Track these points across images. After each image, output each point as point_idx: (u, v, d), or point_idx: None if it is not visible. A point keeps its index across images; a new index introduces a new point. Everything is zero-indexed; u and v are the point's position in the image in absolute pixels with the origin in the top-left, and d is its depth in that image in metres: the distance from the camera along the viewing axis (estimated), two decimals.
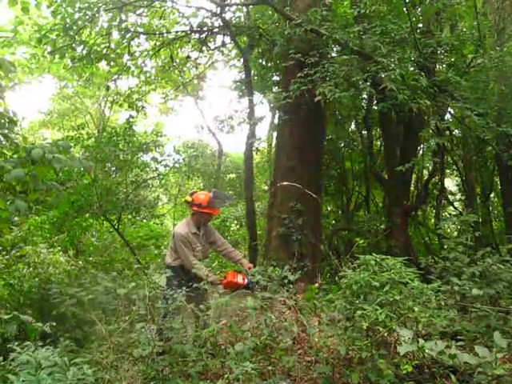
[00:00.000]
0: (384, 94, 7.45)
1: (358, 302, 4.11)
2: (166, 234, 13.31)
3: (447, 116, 9.39)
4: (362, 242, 11.15)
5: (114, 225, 10.54)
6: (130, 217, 12.22)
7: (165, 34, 11.22)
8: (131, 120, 10.17)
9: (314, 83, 7.52)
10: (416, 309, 3.84)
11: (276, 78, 11.40)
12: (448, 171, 12.75)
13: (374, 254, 4.47)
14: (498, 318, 4.90)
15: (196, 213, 6.04)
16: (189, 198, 6.09)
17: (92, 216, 10.56)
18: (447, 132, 9.69)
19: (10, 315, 4.85)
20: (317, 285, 5.33)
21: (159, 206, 16.93)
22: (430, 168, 11.15)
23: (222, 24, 10.11)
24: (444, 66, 9.66)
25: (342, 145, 12.18)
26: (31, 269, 7.85)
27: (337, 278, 7.05)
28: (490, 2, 10.08)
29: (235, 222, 14.87)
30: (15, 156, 5.39)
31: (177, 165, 11.84)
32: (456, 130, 10.68)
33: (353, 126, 12.62)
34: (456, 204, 13.08)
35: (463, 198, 12.40)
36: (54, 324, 5.02)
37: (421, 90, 7.49)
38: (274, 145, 12.37)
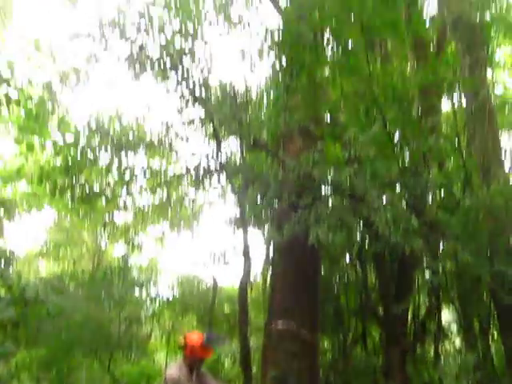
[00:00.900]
0: (377, 233, 7.60)
1: None
2: (159, 373, 12.86)
3: (441, 250, 9.48)
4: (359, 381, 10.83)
5: (106, 364, 10.24)
6: (121, 355, 11.88)
7: (162, 174, 11.60)
8: (126, 257, 10.25)
9: (308, 225, 7.68)
10: None
11: (270, 215, 11.59)
12: (444, 306, 12.64)
13: None
14: None
15: (188, 356, 5.91)
16: (181, 341, 5.99)
17: (83, 354, 10.28)
18: (441, 268, 9.74)
19: None
20: None
21: (152, 342, 16.50)
22: (427, 302, 11.06)
23: (217, 165, 10.49)
24: (434, 204, 9.91)
25: (337, 280, 12.15)
26: None
27: None
28: (474, 144, 10.51)
29: (229, 356, 14.41)
30: (8, 294, 5.38)
31: (170, 300, 11.75)
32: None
33: (347, 262, 12.65)
34: (454, 337, 12.82)
35: (461, 332, 12.19)
36: None
37: (412, 229, 7.64)
38: (268, 280, 12.29)
